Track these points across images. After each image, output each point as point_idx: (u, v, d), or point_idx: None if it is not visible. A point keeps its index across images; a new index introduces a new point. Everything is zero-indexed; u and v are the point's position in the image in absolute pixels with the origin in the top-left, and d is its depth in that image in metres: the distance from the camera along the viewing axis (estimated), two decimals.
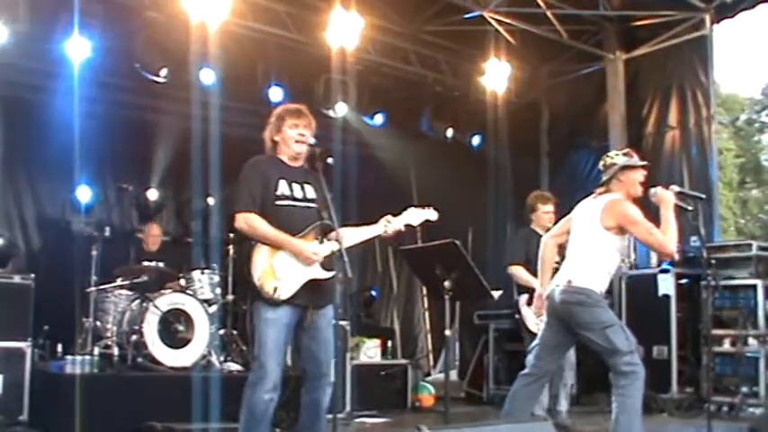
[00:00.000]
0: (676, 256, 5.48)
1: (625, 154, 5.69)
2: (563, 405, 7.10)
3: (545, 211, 7.31)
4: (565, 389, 7.11)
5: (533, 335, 6.26)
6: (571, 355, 6.98)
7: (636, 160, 5.65)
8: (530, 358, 5.61)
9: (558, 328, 5.52)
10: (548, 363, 5.60)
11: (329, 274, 4.92)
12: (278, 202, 4.91)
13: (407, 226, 5.22)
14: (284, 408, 6.29)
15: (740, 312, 8.73)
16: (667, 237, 5.29)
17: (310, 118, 5.10)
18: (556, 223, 6.30)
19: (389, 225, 5.09)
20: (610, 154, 5.74)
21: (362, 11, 9.65)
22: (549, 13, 10.22)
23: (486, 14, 10.19)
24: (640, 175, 5.61)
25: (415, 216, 5.28)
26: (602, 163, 5.70)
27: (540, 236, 6.52)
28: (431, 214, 5.33)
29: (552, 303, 5.50)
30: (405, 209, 5.30)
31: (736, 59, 37.26)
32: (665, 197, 5.45)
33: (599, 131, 11.24)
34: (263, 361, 4.79)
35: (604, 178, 5.62)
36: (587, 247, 5.49)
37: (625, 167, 5.57)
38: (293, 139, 5.00)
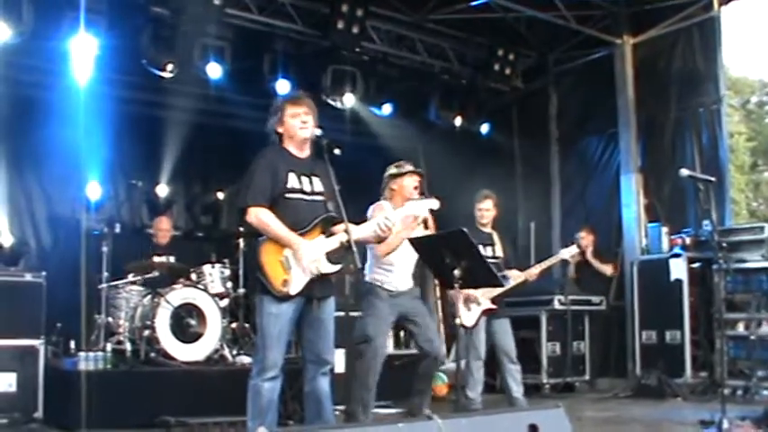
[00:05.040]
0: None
1: (397, 166, 6.48)
2: (516, 391, 7.20)
3: (479, 207, 7.53)
4: (510, 375, 7.21)
5: (467, 328, 7.07)
6: (507, 344, 7.28)
7: (405, 169, 6.43)
8: None
9: None
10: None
11: (336, 268, 4.93)
12: (288, 195, 4.90)
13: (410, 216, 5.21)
14: (297, 400, 6.33)
15: (753, 295, 8.71)
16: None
17: (310, 102, 5.08)
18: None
19: (385, 221, 5.05)
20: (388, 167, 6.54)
21: (367, 1, 9.61)
22: None
23: (493, 1, 10.14)
24: (410, 180, 6.37)
25: (417, 207, 5.25)
26: None
27: (481, 231, 7.33)
28: (433, 203, 5.31)
29: None
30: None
31: (746, 42, 37.02)
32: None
33: (608, 117, 11.17)
34: (265, 354, 4.82)
35: (382, 189, 6.48)
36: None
37: (394, 176, 6.42)
38: (296, 127, 4.99)
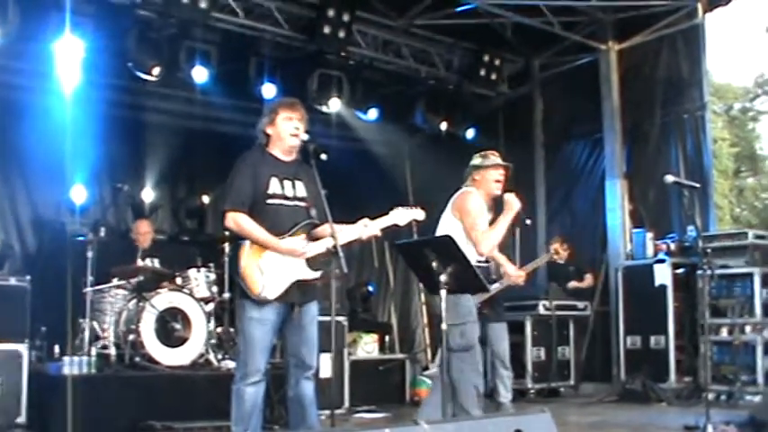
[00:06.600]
0: (485, 255, 5.98)
1: (482, 156, 6.23)
2: (504, 396, 7.05)
3: None
4: (501, 380, 7.03)
5: None
6: (503, 349, 6.98)
7: (491, 161, 6.18)
8: None
9: None
10: None
11: (316, 275, 4.94)
12: (269, 201, 4.92)
13: (394, 226, 5.21)
14: (282, 405, 6.32)
15: (737, 301, 8.76)
16: (485, 237, 5.86)
17: (304, 111, 5.11)
18: None
19: (366, 229, 5.06)
20: (474, 156, 6.28)
21: (354, 5, 9.62)
22: (541, 5, 10.19)
23: (479, 7, 10.16)
24: (495, 173, 6.15)
25: (402, 216, 5.24)
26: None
27: None
28: (418, 214, 5.30)
29: None
30: (392, 207, 5.27)
31: (729, 49, 37.27)
32: (510, 205, 5.99)
33: (593, 122, 11.20)
34: (247, 359, 4.84)
35: (465, 178, 6.20)
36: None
37: (478, 167, 6.17)
38: (287, 132, 5.00)
